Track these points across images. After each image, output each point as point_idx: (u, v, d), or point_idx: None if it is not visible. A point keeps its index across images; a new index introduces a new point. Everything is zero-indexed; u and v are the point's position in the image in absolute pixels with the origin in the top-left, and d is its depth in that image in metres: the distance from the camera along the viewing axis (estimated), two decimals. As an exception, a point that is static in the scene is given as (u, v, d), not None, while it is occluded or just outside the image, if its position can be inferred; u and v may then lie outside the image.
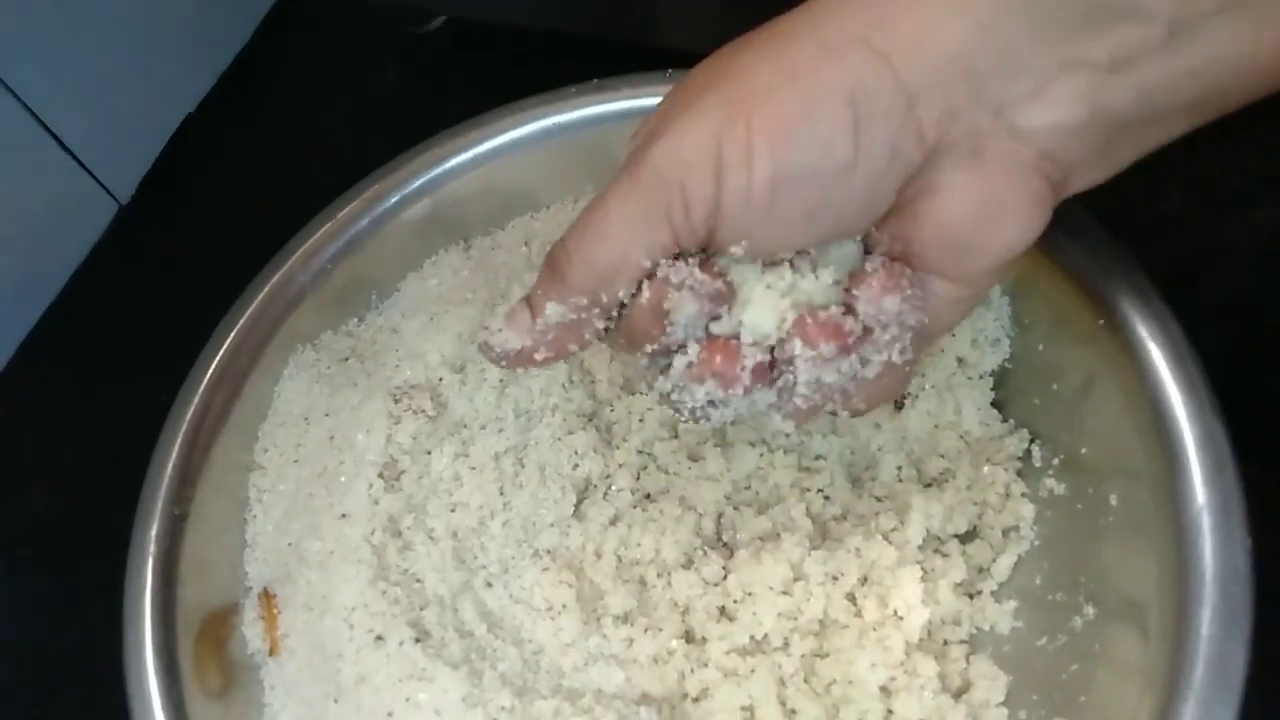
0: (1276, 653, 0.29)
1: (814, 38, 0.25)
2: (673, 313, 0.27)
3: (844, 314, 0.27)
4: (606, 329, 0.29)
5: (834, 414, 0.31)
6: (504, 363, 0.29)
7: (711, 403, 0.28)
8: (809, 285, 0.27)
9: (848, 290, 0.28)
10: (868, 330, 0.27)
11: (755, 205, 0.25)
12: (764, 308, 0.27)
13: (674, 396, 0.29)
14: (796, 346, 0.27)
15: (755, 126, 0.24)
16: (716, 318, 0.28)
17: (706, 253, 0.28)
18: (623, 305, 0.28)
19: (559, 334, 0.28)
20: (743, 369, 0.27)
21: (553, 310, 0.28)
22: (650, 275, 0.27)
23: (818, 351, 0.27)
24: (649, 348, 0.28)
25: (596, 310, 0.28)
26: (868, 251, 0.29)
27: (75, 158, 0.53)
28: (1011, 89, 0.24)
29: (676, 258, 0.27)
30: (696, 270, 0.27)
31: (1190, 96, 0.24)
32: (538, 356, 0.29)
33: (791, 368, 0.28)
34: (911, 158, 0.25)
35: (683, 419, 0.30)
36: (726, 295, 0.27)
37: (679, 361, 0.28)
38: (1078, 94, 0.24)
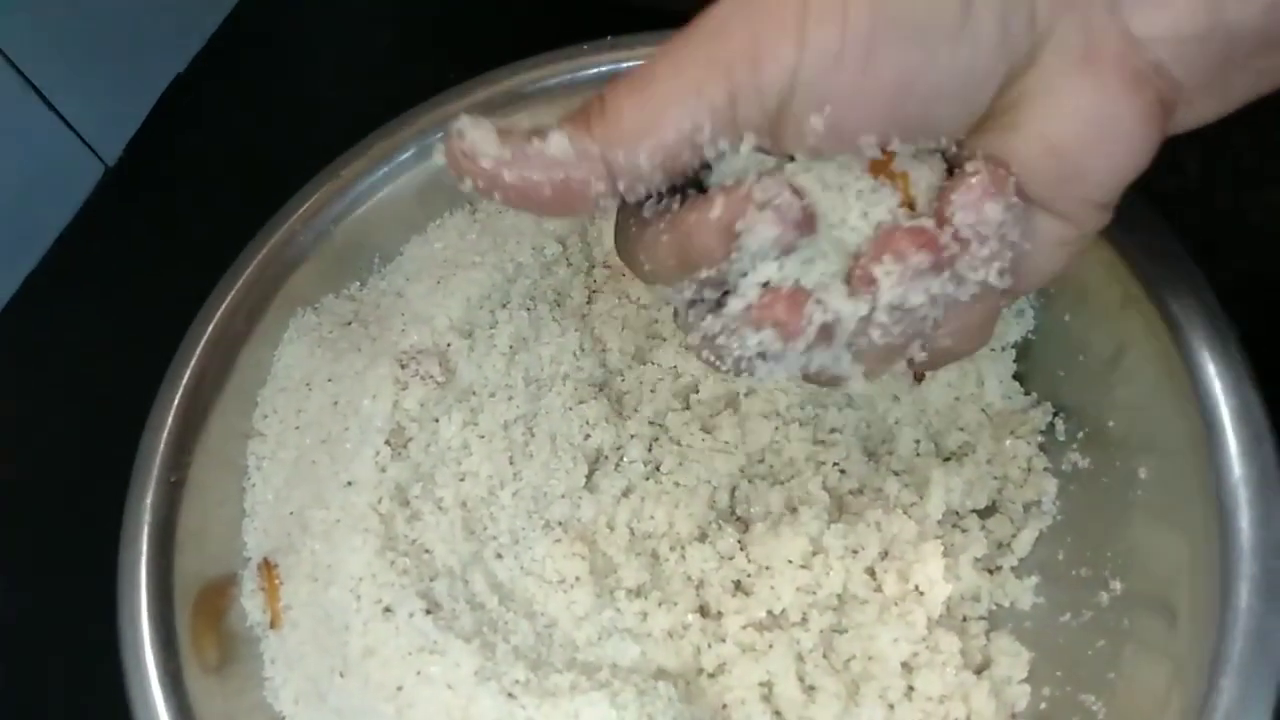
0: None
1: None
2: (744, 236, 0.23)
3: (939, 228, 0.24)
4: (622, 206, 0.24)
5: (909, 367, 0.27)
6: (463, 167, 0.23)
7: (762, 355, 0.25)
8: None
9: (939, 203, 0.24)
10: (963, 245, 0.24)
11: (847, 62, 0.21)
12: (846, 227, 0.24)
13: (720, 340, 0.25)
14: (879, 262, 0.24)
15: None
16: (789, 253, 0.24)
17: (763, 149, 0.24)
18: (632, 221, 0.24)
19: (549, 182, 0.23)
20: (808, 323, 0.24)
21: (556, 141, 0.23)
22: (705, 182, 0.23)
23: (906, 264, 0.23)
24: (704, 273, 0.24)
25: (604, 177, 0.23)
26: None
27: (62, 117, 0.51)
28: None
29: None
30: (787, 190, 0.23)
31: None
32: (506, 176, 0.23)
33: (873, 289, 0.24)
34: (1020, 43, 0.23)
35: (722, 368, 0.25)
36: (810, 224, 0.24)
37: (735, 303, 0.24)
38: (1202, 1, 0.22)
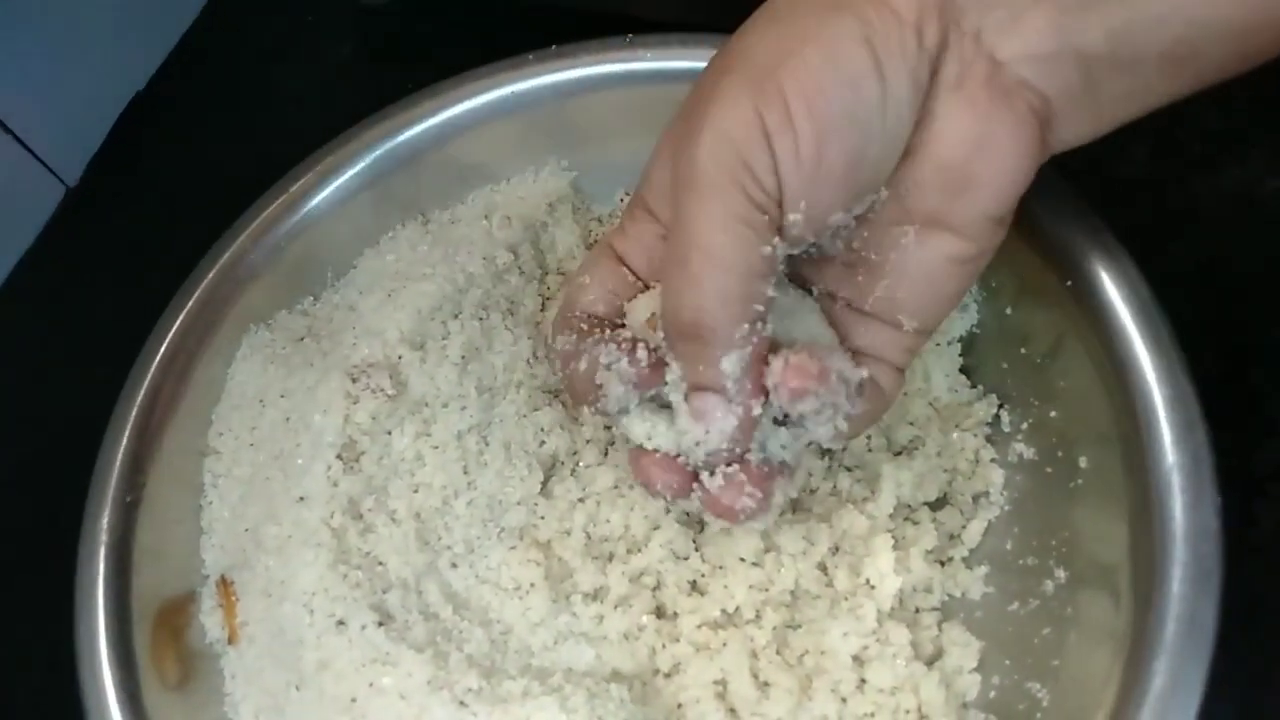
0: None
1: (808, 2, 0.26)
2: (604, 387, 0.29)
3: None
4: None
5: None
6: (723, 461, 0.29)
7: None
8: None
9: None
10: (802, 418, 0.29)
11: (805, 162, 0.25)
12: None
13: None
14: (786, 404, 0.28)
15: (788, 90, 0.25)
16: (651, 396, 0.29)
17: None
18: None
19: (754, 375, 0.27)
20: (676, 476, 0.30)
21: (729, 364, 0.27)
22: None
23: (804, 402, 0.27)
24: (589, 411, 0.30)
25: (757, 323, 0.27)
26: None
27: (19, 140, 0.51)
28: (988, 17, 0.25)
29: (614, 329, 0.29)
30: (625, 361, 0.28)
31: (1161, 47, 0.25)
32: (749, 416, 0.28)
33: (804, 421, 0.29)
34: (922, 78, 0.26)
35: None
36: (654, 379, 0.29)
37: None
38: (1048, 26, 0.25)
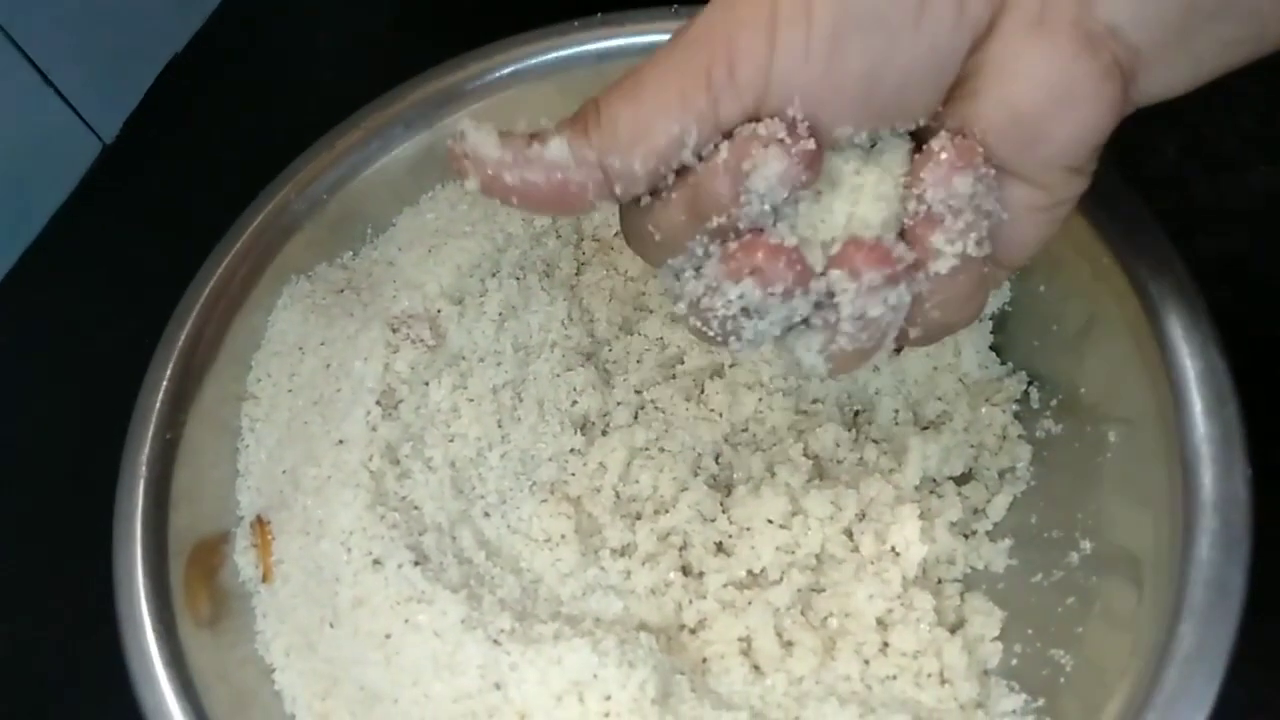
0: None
1: None
2: (752, 176, 0.24)
3: (897, 239, 0.25)
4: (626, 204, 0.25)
5: (899, 349, 0.28)
6: (466, 169, 0.25)
7: (745, 311, 0.25)
8: (870, 179, 0.25)
9: (909, 181, 0.25)
10: (934, 220, 0.25)
11: (814, 58, 0.23)
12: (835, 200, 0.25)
13: (704, 302, 0.26)
14: (837, 278, 0.25)
15: None
16: (798, 199, 0.25)
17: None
18: (641, 199, 0.25)
19: (547, 183, 0.24)
20: (786, 265, 0.25)
21: (556, 146, 0.24)
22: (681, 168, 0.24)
23: (860, 282, 0.25)
24: (714, 221, 0.25)
25: (600, 177, 0.24)
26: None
27: (60, 94, 0.51)
28: None
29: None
30: (792, 128, 0.24)
31: None
32: (506, 178, 0.24)
33: (834, 300, 0.25)
34: (979, 15, 0.23)
35: (709, 333, 0.26)
36: (816, 162, 0.24)
37: (714, 259, 0.25)
38: None
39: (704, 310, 0.26)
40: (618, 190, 0.25)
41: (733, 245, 0.25)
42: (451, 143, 0.25)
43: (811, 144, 0.24)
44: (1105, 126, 0.24)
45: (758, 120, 0.24)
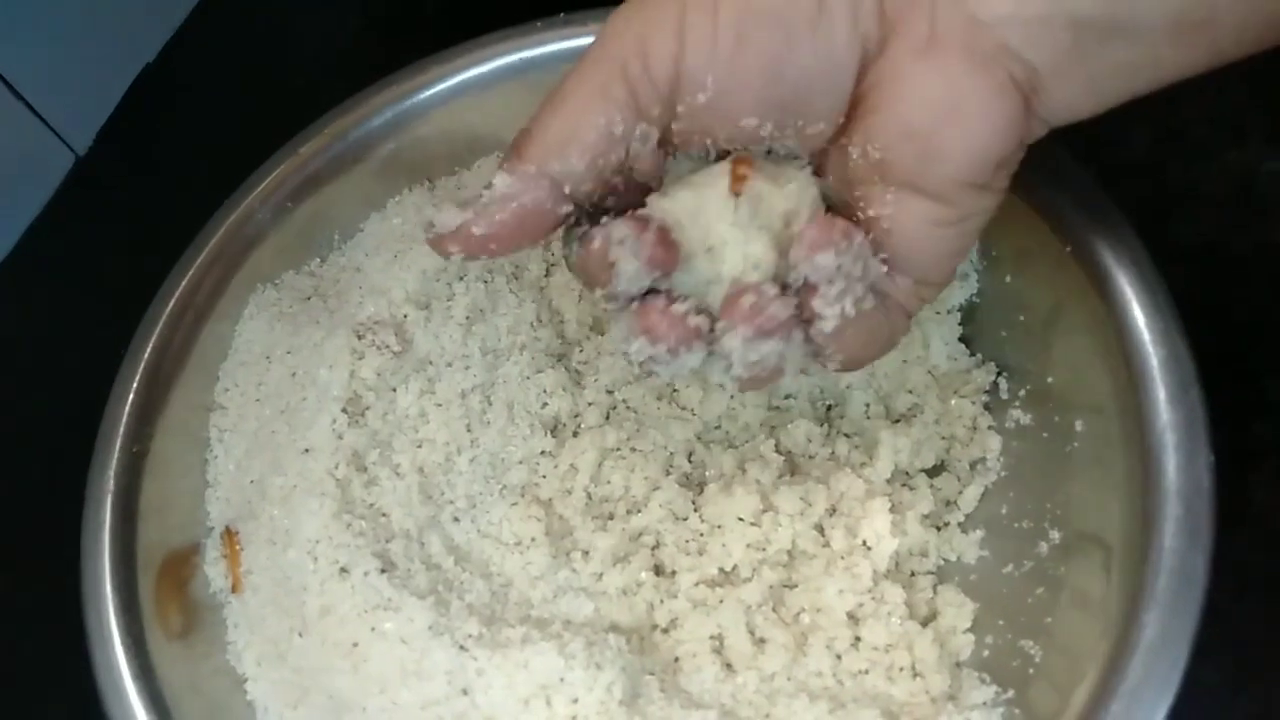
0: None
1: None
2: (617, 265, 0.27)
3: (779, 289, 0.27)
4: (569, 221, 0.28)
5: (806, 373, 0.30)
6: (447, 247, 0.27)
7: (652, 358, 0.28)
8: (756, 248, 0.27)
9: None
10: (811, 288, 0.27)
11: (720, 50, 0.25)
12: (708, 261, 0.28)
13: (622, 348, 0.29)
14: (722, 327, 0.27)
15: None
16: (662, 277, 0.28)
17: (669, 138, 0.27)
18: (592, 212, 0.27)
19: (511, 216, 0.27)
20: (676, 328, 0.27)
21: (500, 182, 0.26)
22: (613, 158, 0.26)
23: (738, 335, 0.27)
24: (599, 293, 0.28)
25: (548, 185, 0.26)
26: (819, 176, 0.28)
27: (30, 107, 0.51)
28: None
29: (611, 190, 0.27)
30: (637, 231, 0.27)
31: (1171, 12, 0.23)
32: (476, 230, 0.27)
33: (724, 343, 0.28)
34: (870, 32, 0.25)
35: (632, 368, 0.30)
36: (666, 260, 0.27)
37: (622, 317, 0.28)
38: None
39: (625, 354, 0.29)
40: (568, 191, 0.27)
41: (633, 305, 0.28)
42: (427, 237, 0.28)
43: (662, 244, 0.27)
44: (1004, 143, 0.25)
45: (673, 110, 0.26)
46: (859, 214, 0.28)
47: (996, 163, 0.26)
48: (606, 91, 0.26)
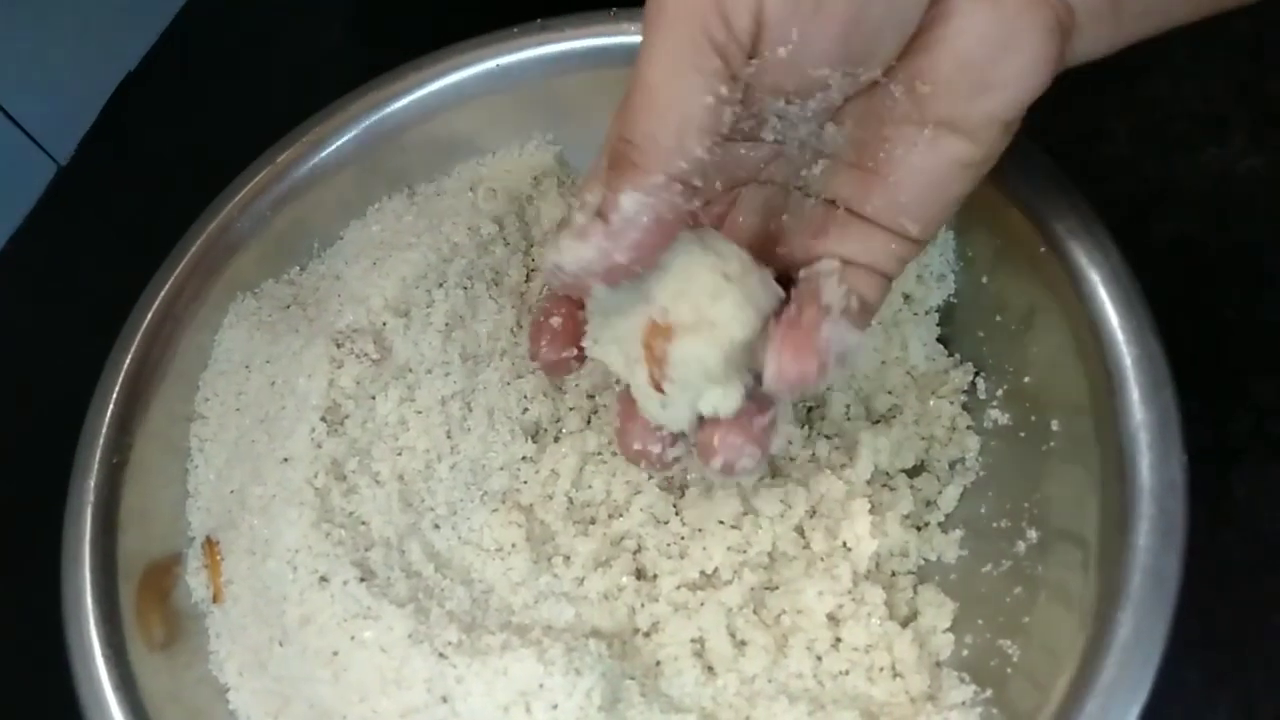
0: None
1: None
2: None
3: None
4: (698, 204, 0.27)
5: None
6: (587, 285, 0.26)
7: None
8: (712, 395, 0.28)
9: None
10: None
11: (803, 4, 0.24)
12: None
13: None
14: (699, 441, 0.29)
15: None
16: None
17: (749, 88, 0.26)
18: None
19: (649, 232, 0.25)
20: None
21: (628, 201, 0.25)
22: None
23: (710, 459, 0.29)
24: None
25: (679, 188, 0.25)
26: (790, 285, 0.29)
27: (11, 118, 0.51)
28: None
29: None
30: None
31: None
32: (620, 259, 0.25)
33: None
34: None
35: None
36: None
37: None
38: None
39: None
40: (699, 184, 0.26)
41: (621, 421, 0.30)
42: (560, 280, 0.26)
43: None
44: (1044, 79, 0.26)
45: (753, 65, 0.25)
46: (879, 155, 0.28)
47: (1028, 103, 0.27)
48: (699, 65, 0.24)
